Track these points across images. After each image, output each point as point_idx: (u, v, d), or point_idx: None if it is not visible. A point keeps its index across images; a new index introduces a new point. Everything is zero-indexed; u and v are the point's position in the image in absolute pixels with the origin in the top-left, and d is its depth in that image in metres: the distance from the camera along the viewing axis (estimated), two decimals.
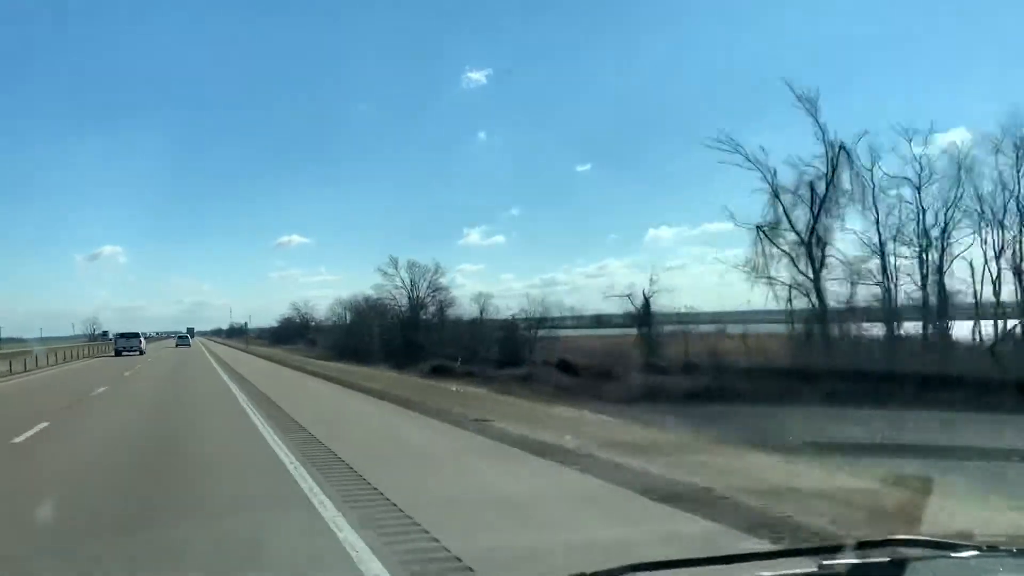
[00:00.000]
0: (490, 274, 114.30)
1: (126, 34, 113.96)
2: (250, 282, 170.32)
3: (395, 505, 6.50)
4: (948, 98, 70.29)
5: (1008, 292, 27.66)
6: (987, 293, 27.99)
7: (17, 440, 11.22)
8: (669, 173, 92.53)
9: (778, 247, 31.55)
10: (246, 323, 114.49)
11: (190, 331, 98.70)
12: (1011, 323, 27.51)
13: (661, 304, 37.97)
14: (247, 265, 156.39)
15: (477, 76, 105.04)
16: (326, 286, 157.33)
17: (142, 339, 56.37)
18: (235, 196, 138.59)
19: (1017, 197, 27.46)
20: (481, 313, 48.66)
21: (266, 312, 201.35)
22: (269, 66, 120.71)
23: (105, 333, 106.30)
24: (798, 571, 2.13)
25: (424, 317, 52.71)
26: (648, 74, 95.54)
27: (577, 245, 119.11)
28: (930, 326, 28.95)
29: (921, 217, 29.05)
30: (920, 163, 29.15)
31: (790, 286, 31.10)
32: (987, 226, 27.95)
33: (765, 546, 4.72)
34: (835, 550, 2.26)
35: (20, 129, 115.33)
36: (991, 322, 27.86)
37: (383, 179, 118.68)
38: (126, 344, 52.77)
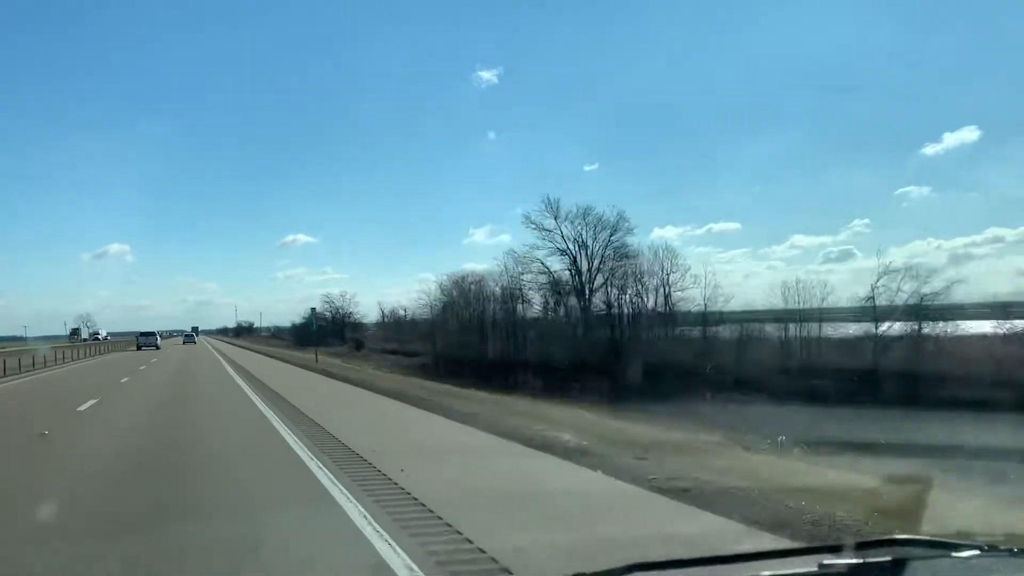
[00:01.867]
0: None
1: (131, 32, 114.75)
2: (255, 281, 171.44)
3: None
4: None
5: None
6: None
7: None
8: (676, 172, 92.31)
9: None
10: (249, 324, 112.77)
11: (195, 330, 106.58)
12: None
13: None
14: (252, 264, 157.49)
15: (488, 75, 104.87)
16: (332, 284, 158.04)
17: (158, 337, 70.36)
18: (241, 195, 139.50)
19: None
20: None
21: (270, 311, 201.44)
22: (276, 65, 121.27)
23: (76, 331, 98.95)
24: (799, 571, 2.12)
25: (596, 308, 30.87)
26: (657, 73, 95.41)
27: None
28: None
29: None
30: None
31: None
32: None
33: (765, 545, 4.70)
34: (835, 549, 2.25)
35: (24, 129, 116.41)
36: None
37: (390, 178, 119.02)
38: (146, 341, 66.18)
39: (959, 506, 6.67)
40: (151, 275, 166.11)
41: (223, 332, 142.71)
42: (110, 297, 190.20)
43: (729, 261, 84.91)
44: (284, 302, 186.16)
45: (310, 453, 9.59)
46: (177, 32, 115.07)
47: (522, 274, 34.68)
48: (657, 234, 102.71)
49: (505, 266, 35.67)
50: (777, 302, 29.66)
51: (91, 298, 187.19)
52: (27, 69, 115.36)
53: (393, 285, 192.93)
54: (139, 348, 63.31)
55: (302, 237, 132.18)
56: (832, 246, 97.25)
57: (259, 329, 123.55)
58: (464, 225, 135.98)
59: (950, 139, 79.19)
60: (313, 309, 52.13)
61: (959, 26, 71.30)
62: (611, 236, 32.02)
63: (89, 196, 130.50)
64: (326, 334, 67.72)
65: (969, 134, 77.75)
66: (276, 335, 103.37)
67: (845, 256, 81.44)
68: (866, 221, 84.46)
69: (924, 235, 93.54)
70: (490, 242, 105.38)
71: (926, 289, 28.04)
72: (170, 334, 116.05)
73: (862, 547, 2.22)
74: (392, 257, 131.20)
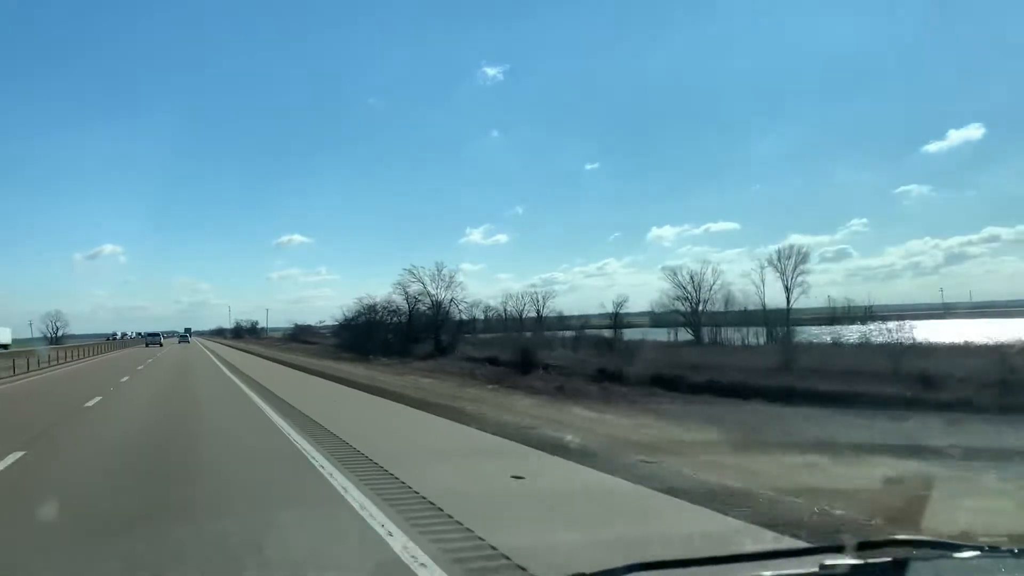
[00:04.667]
0: (488, 274, 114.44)
1: (129, 30, 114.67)
2: (249, 282, 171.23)
3: None
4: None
5: None
6: None
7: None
8: (676, 172, 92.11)
9: None
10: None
11: (188, 331, 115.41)
12: None
13: None
14: (247, 265, 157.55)
15: (493, 72, 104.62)
16: (325, 285, 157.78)
17: (161, 336, 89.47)
18: (237, 195, 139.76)
19: None
20: None
21: (262, 312, 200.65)
22: (274, 63, 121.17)
23: None
24: (799, 571, 2.13)
25: None
26: (660, 72, 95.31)
27: (579, 244, 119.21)
28: None
29: None
30: None
31: None
32: None
33: (767, 546, 4.70)
34: (836, 550, 2.25)
35: (19, 127, 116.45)
36: None
37: (388, 178, 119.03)
38: (151, 339, 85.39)
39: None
40: (145, 276, 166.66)
41: (218, 333, 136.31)
42: (103, 298, 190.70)
43: (727, 261, 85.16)
44: (279, 302, 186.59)
45: None
46: (173, 30, 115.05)
47: None
48: (655, 233, 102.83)
49: None
50: None
51: (85, 299, 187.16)
52: (21, 68, 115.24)
53: (388, 285, 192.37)
54: (147, 345, 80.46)
55: (297, 237, 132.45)
56: (829, 245, 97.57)
57: (262, 329, 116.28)
58: (461, 225, 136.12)
59: (955, 136, 79.51)
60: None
61: (966, 24, 71.33)
62: None
63: (82, 197, 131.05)
64: (408, 336, 45.00)
65: (974, 131, 77.83)
66: (295, 337, 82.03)
67: (840, 256, 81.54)
68: (864, 220, 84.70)
69: (922, 234, 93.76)
70: (486, 242, 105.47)
71: None
72: (165, 335, 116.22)
73: (863, 547, 2.23)
74: (388, 257, 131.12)
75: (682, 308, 46.78)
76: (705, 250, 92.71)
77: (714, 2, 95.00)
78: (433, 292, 46.03)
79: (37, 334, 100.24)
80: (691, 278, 46.89)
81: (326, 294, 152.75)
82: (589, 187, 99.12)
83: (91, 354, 59.10)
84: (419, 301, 46.54)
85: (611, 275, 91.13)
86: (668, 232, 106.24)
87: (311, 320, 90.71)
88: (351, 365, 34.53)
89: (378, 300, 49.30)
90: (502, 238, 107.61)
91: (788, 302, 45.54)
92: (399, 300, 47.36)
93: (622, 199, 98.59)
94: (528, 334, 45.59)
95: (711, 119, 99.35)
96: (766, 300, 44.72)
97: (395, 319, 47.65)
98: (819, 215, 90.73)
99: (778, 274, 45.86)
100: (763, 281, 46.42)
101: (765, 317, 43.04)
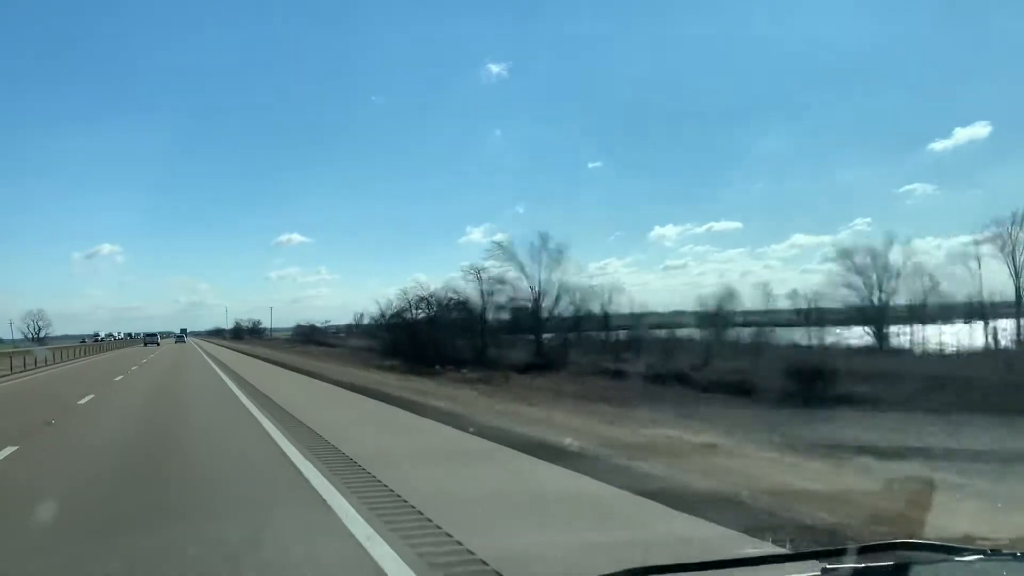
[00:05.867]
0: None
1: (127, 29, 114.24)
2: (248, 282, 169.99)
3: None
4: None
5: None
6: None
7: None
8: (679, 171, 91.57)
9: None
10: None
11: (183, 331, 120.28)
12: None
13: None
14: (245, 265, 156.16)
15: (497, 69, 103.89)
16: (324, 285, 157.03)
17: (159, 337, 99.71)
18: (235, 195, 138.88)
19: None
20: None
21: (261, 312, 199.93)
22: (273, 60, 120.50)
23: None
24: (801, 575, 2.12)
25: None
26: (662, 70, 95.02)
27: (579, 243, 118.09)
28: None
29: None
30: None
31: None
32: None
33: (768, 550, 4.68)
34: (838, 553, 2.25)
35: (15, 128, 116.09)
36: None
37: (389, 176, 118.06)
38: (150, 339, 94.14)
39: None
40: (142, 276, 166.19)
41: (216, 333, 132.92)
42: (101, 298, 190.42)
43: (727, 260, 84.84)
44: (277, 302, 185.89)
45: None
46: (172, 27, 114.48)
47: None
48: (657, 232, 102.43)
49: None
50: None
51: (79, 298, 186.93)
52: (18, 65, 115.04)
53: (387, 285, 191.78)
54: (145, 344, 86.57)
55: (296, 237, 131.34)
56: (832, 245, 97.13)
57: (264, 330, 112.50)
58: (461, 224, 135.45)
59: (961, 134, 78.91)
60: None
61: (973, 20, 71.16)
62: None
63: (80, 196, 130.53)
64: (483, 338, 32.45)
65: (981, 129, 77.41)
66: (306, 338, 72.94)
67: (843, 256, 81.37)
68: (868, 220, 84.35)
69: (924, 234, 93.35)
70: (485, 241, 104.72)
71: None
72: (162, 335, 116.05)
73: (864, 551, 2.22)
74: (387, 257, 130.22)
75: (857, 300, 34.08)
76: (707, 249, 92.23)
77: (718, 0, 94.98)
78: (532, 275, 32.02)
79: (17, 335, 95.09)
80: (871, 259, 34.17)
81: (325, 294, 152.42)
82: (591, 186, 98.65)
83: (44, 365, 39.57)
84: (501, 288, 33.07)
85: (611, 275, 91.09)
86: (670, 231, 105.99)
87: (314, 319, 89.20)
88: (436, 383, 21.75)
89: (433, 291, 36.80)
90: (502, 237, 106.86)
91: (1019, 290, 32.91)
92: (470, 290, 34.25)
93: (624, 198, 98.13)
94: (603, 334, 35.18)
95: (715, 118, 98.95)
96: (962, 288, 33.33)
97: (462, 315, 34.65)
98: (822, 214, 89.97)
99: (1002, 253, 33.56)
100: (979, 262, 33.90)
101: (983, 310, 31.88)
